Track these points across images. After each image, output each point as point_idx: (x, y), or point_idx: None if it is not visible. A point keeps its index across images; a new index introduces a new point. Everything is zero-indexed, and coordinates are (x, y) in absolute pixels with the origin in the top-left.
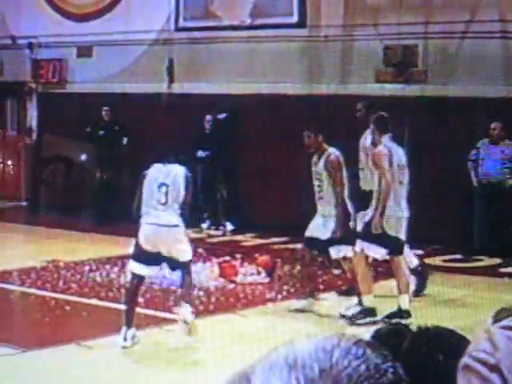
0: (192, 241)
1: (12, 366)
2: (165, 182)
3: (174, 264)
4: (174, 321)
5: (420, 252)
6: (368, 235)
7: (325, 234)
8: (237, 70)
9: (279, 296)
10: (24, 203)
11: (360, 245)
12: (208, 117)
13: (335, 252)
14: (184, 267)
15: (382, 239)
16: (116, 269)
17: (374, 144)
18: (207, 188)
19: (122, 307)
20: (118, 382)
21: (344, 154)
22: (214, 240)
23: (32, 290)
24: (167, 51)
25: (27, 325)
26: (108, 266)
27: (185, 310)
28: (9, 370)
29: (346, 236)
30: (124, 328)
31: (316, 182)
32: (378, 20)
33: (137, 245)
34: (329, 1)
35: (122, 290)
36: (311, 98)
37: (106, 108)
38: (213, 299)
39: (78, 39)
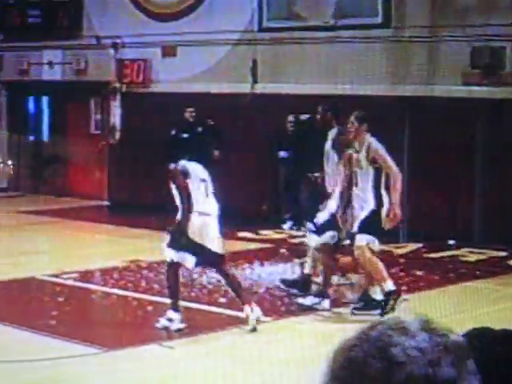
0: (274, 241)
1: (95, 366)
2: (204, 177)
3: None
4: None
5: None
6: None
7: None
8: (320, 70)
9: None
10: (107, 203)
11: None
12: (290, 117)
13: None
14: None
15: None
16: (197, 269)
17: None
18: (289, 189)
19: (204, 307)
20: (200, 382)
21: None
22: (296, 240)
23: (114, 290)
24: (251, 51)
25: (110, 325)
26: None
27: (254, 309)
28: (92, 370)
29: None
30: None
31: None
32: (465, 21)
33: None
34: (414, 1)
35: (204, 291)
36: (395, 99)
37: (190, 109)
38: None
39: (163, 39)
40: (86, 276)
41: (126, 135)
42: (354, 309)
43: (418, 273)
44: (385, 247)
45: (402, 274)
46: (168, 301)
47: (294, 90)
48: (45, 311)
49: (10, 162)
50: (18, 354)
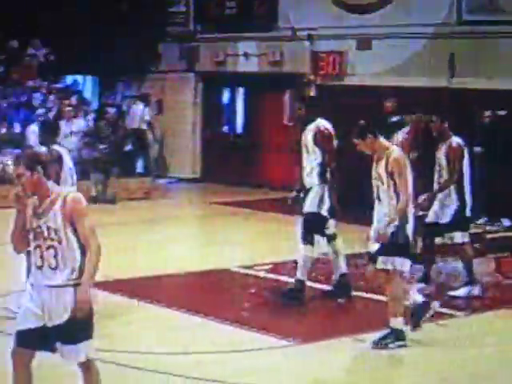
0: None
1: (289, 358)
2: None
3: None
4: (448, 315)
5: None
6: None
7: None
8: None
9: None
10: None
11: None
12: (487, 113)
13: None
14: None
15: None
16: None
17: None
18: (483, 184)
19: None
20: (397, 376)
21: None
22: (491, 236)
23: (306, 283)
24: (448, 45)
25: (301, 317)
26: None
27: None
28: (286, 362)
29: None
30: None
31: (436, 167)
32: None
33: None
34: None
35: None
36: None
37: (389, 102)
38: (489, 294)
39: (358, 31)
40: (277, 268)
41: None
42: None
43: None
44: None
45: None
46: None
47: (492, 86)
48: (237, 303)
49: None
50: (209, 345)
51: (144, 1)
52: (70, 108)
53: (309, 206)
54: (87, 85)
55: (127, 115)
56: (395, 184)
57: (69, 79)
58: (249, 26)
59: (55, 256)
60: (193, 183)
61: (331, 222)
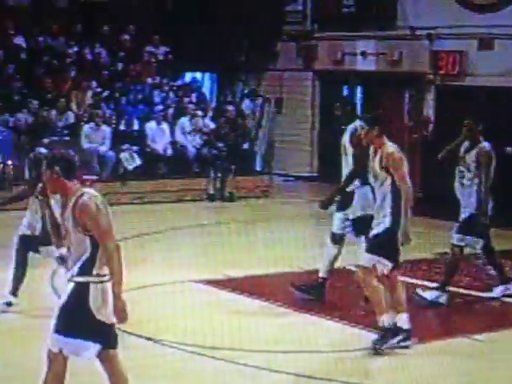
0: None
1: (402, 358)
2: None
3: None
4: None
5: None
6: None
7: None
8: None
9: None
10: (420, 194)
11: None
12: None
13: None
14: None
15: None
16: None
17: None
18: None
19: None
20: None
21: None
22: None
23: (424, 282)
24: None
25: (421, 317)
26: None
27: None
28: (400, 362)
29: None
30: None
31: (461, 168)
32: None
33: None
34: None
35: None
36: None
37: None
38: None
39: (480, 31)
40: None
41: (438, 128)
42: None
43: None
44: None
45: None
46: None
47: None
48: (348, 301)
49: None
50: (320, 343)
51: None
52: (191, 105)
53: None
54: (206, 82)
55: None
56: (393, 179)
57: (188, 77)
58: (367, 24)
59: (70, 257)
60: (310, 181)
61: None
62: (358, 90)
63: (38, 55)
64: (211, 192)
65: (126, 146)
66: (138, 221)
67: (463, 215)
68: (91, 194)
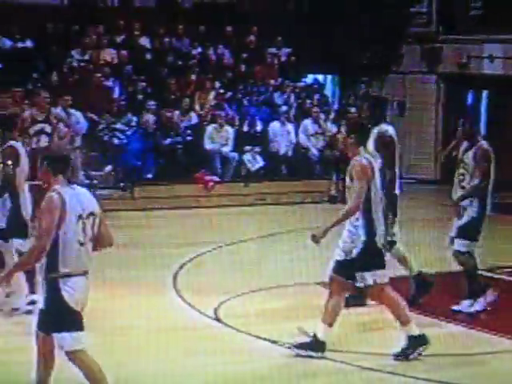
0: None
1: None
2: None
3: None
4: None
5: None
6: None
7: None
8: None
9: None
10: None
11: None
12: None
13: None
14: None
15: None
16: None
17: None
18: None
19: None
20: None
21: None
22: None
23: None
24: None
25: None
26: None
27: None
28: None
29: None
30: None
31: (461, 171)
32: None
33: None
34: None
35: None
36: None
37: None
38: None
39: None
40: None
41: None
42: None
43: None
44: None
45: None
46: None
47: None
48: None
49: None
50: (440, 347)
51: (387, 1)
52: (315, 108)
53: None
54: (328, 84)
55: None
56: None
57: (310, 78)
58: (495, 27)
59: None
60: (432, 185)
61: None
62: (484, 94)
63: (162, 56)
64: (333, 194)
65: (248, 147)
66: (259, 222)
67: (464, 219)
68: (59, 191)
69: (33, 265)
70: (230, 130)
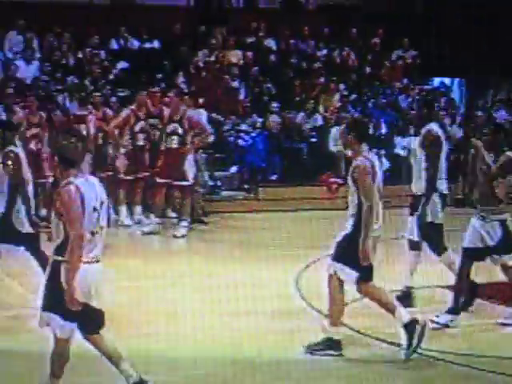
0: None
1: None
2: None
3: None
4: None
5: None
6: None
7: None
8: None
9: None
10: None
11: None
12: None
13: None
14: None
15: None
16: None
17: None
18: None
19: None
20: None
21: None
22: None
23: None
24: None
25: None
26: None
27: None
28: None
29: None
30: None
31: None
32: None
33: None
34: None
35: None
36: None
37: None
38: None
39: None
40: None
41: None
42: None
43: None
44: None
45: None
46: None
47: None
48: None
49: None
50: None
51: None
52: (442, 111)
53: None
54: (454, 87)
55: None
56: (358, 192)
57: (436, 81)
58: None
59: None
60: None
61: None
62: None
63: (287, 57)
64: (459, 197)
65: (373, 150)
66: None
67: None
68: (74, 183)
69: (80, 256)
70: None
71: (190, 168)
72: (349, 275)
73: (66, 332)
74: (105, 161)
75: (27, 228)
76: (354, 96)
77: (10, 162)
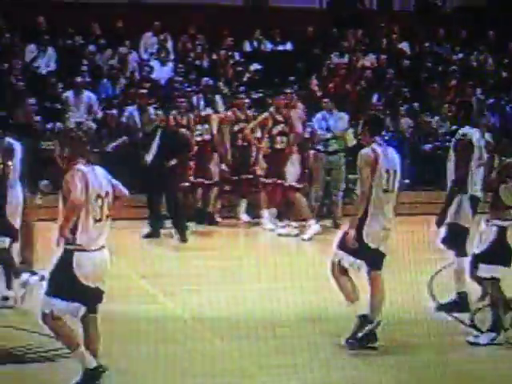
0: None
1: None
2: None
3: None
4: None
5: None
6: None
7: None
8: None
9: None
10: None
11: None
12: None
13: None
14: None
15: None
16: None
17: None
18: None
19: None
20: None
21: None
22: None
23: None
24: None
25: None
26: None
27: None
28: None
29: None
30: None
31: None
32: None
33: None
34: None
35: None
36: None
37: None
38: None
39: None
40: None
41: None
42: None
43: None
44: None
45: None
46: None
47: None
48: None
49: None
50: None
51: None
52: None
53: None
54: None
55: None
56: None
57: None
58: None
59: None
60: None
61: None
62: None
63: (421, 61)
64: None
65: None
66: None
67: None
68: (81, 169)
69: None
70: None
71: (291, 168)
72: (352, 262)
73: (73, 312)
74: (245, 164)
75: None
76: (491, 101)
77: (10, 163)
